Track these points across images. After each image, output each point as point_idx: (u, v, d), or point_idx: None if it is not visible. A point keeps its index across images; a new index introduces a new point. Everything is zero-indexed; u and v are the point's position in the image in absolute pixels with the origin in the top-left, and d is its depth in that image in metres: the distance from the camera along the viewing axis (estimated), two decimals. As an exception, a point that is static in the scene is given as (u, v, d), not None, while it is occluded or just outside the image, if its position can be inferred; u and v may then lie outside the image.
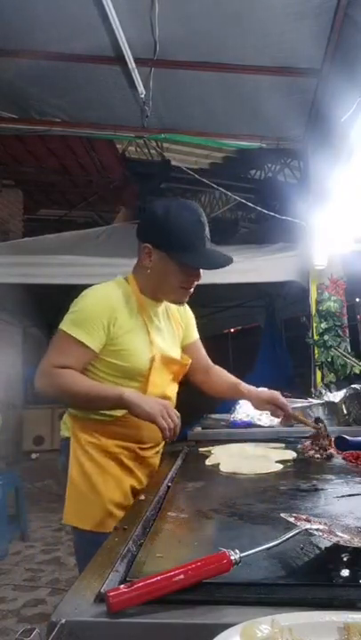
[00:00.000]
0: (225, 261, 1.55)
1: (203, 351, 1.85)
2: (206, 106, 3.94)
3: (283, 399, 1.74)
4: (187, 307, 1.78)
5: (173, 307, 1.72)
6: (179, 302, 1.65)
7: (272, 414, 1.78)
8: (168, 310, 1.71)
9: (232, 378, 1.84)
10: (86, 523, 1.50)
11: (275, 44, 3.16)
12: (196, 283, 1.57)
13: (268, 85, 3.54)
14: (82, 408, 1.55)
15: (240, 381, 1.81)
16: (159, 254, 1.51)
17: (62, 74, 3.59)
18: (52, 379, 1.46)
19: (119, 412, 1.51)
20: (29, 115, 4.08)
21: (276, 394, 1.76)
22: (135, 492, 1.55)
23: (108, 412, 1.52)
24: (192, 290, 1.58)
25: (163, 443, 1.69)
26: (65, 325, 1.49)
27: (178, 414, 1.45)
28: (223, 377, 1.85)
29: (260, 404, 1.76)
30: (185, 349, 1.77)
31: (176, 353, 1.69)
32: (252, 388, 1.79)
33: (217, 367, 1.87)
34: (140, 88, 3.58)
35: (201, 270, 1.54)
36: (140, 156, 6.42)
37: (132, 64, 3.34)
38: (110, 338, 1.49)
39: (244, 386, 1.79)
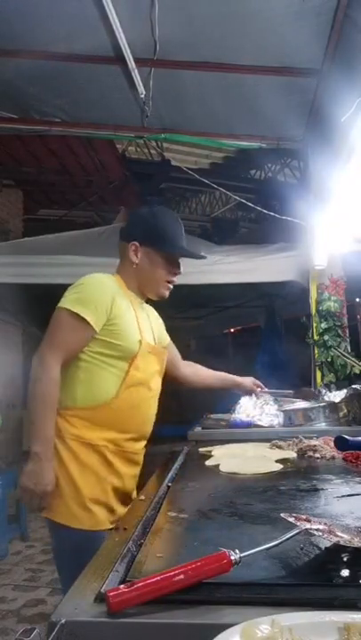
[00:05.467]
0: (201, 256, 1.85)
1: (177, 350, 2.00)
2: (206, 106, 3.93)
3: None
4: (159, 316, 1.92)
5: (150, 312, 1.87)
6: (162, 296, 1.76)
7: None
8: (148, 313, 1.85)
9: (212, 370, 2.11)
10: (63, 518, 1.51)
11: (275, 43, 3.16)
12: (176, 277, 1.75)
13: (268, 85, 3.53)
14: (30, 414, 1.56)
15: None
16: (146, 250, 1.69)
17: (62, 74, 3.59)
18: (37, 380, 1.50)
19: (104, 399, 1.57)
20: (29, 115, 4.08)
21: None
22: (116, 491, 1.60)
23: (93, 398, 1.57)
24: (172, 285, 1.76)
25: (147, 437, 1.74)
26: (68, 304, 1.54)
27: (44, 504, 1.49)
28: (207, 369, 2.08)
29: (247, 383, 2.17)
30: None
31: (157, 344, 1.81)
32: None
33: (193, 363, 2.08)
34: (140, 88, 3.58)
35: (182, 267, 1.74)
36: (140, 156, 6.42)
37: (132, 64, 3.34)
38: (110, 318, 1.57)
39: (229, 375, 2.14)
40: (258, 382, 2.21)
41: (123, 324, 1.59)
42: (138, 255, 1.69)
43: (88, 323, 1.52)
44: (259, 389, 2.21)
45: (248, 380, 2.19)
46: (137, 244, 1.69)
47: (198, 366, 2.07)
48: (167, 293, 1.76)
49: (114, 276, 1.72)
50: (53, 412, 1.51)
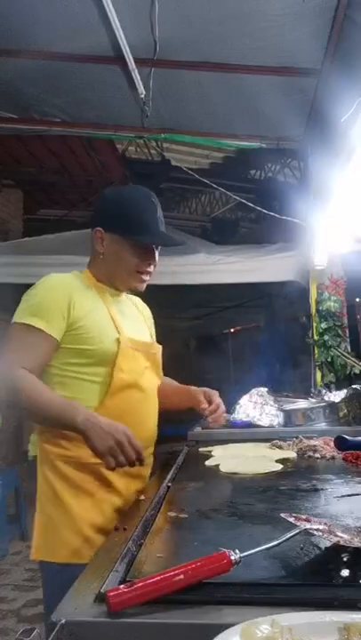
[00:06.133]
0: (177, 242, 1.60)
1: None
2: (206, 106, 3.93)
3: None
4: (146, 307, 1.73)
5: (138, 303, 1.70)
6: (135, 289, 1.56)
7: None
8: (135, 304, 1.68)
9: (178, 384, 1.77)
10: (59, 554, 1.31)
11: (275, 43, 3.15)
12: (152, 267, 1.52)
13: (268, 85, 3.53)
14: (37, 420, 1.40)
15: (190, 386, 1.71)
16: (112, 237, 1.48)
17: (62, 74, 3.59)
18: (12, 382, 1.30)
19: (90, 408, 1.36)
20: (29, 115, 4.08)
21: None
22: (119, 514, 1.35)
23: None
24: (148, 276, 1.53)
25: (151, 442, 1.55)
26: (20, 317, 1.38)
27: (137, 447, 1.25)
28: (171, 381, 1.76)
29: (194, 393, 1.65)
30: None
31: (146, 338, 1.61)
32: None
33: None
34: (140, 88, 3.58)
35: (157, 256, 1.52)
36: (140, 156, 6.41)
37: (132, 64, 3.34)
38: (71, 322, 1.39)
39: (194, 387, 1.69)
40: (211, 393, 1.64)
41: (90, 325, 1.40)
42: (103, 243, 1.49)
43: (45, 332, 1.35)
44: (206, 406, 1.60)
45: (198, 391, 1.65)
46: (101, 230, 1.48)
47: (164, 378, 1.69)
48: (142, 286, 1.54)
49: (81, 272, 1.55)
50: (43, 389, 1.33)
